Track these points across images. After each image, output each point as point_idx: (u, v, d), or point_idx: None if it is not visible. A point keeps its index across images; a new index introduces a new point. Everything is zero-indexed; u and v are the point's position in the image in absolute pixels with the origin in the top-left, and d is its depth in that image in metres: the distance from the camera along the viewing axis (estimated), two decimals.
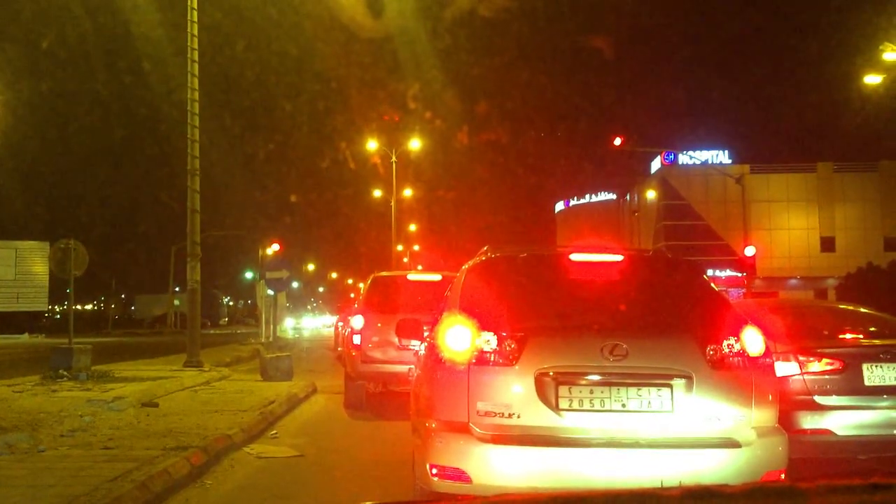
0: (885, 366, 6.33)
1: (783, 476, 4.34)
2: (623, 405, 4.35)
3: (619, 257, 5.17)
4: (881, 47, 24.22)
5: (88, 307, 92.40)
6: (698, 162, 55.01)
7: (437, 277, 11.21)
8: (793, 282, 51.72)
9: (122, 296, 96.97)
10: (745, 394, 4.44)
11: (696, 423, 4.32)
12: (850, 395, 6.26)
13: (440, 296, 7.14)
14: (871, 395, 6.27)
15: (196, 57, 15.62)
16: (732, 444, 4.27)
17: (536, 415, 4.34)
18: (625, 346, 4.38)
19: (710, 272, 53.23)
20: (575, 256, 5.09)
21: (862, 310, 8.49)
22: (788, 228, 53.98)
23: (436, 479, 4.24)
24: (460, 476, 4.18)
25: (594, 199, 74.18)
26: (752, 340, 4.55)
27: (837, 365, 6.32)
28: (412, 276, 11.88)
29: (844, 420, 6.14)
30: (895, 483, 1.08)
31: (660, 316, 4.78)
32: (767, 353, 4.62)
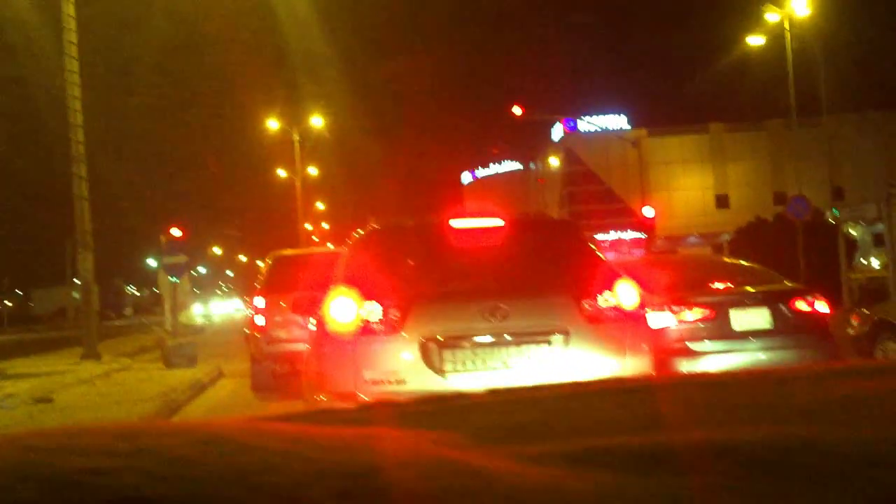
0: (750, 311, 6.75)
1: None
2: (505, 363, 4.51)
3: (498, 222, 5.23)
4: (763, 8, 25.10)
5: None
6: (598, 128, 56.09)
7: (324, 251, 11.42)
8: (692, 239, 53.44)
9: (19, 292, 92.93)
10: (620, 344, 4.66)
11: (575, 375, 4.42)
12: (720, 339, 6.63)
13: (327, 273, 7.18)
14: (739, 340, 6.66)
15: (74, 38, 14.88)
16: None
17: (422, 379, 4.44)
18: (504, 307, 4.53)
19: (614, 234, 54.60)
20: (455, 223, 5.15)
21: (734, 261, 9.33)
22: (685, 188, 55.77)
23: None
24: None
25: (500, 169, 74.90)
26: (626, 293, 4.75)
27: (708, 313, 6.66)
28: (311, 252, 11.97)
29: (716, 364, 6.45)
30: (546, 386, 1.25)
31: (538, 276, 4.93)
32: (641, 304, 4.85)
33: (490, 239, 5.09)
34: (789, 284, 7.80)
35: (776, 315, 6.76)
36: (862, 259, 36.39)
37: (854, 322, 8.91)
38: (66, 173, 15.22)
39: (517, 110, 34.98)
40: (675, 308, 6.60)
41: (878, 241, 35.89)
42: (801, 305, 6.94)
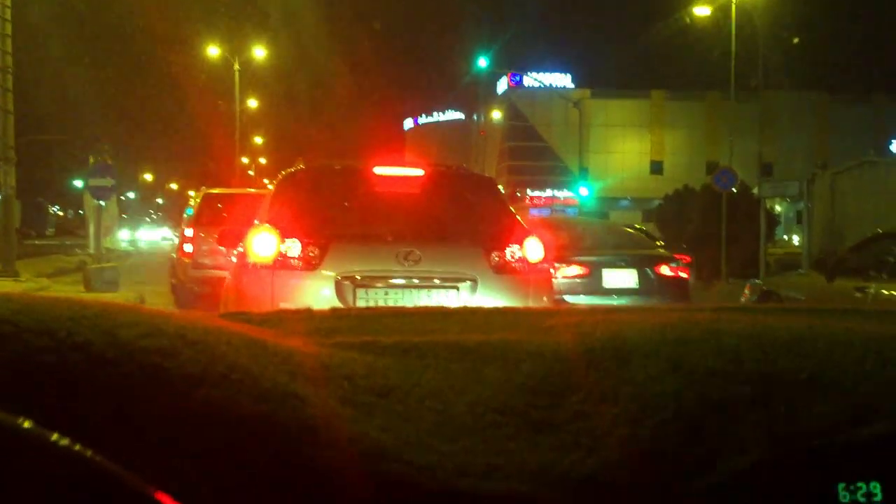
0: (619, 271, 7.87)
1: None
2: (415, 305, 4.65)
3: (420, 172, 5.54)
4: None
5: None
6: (542, 85, 56.25)
7: (249, 192, 12.98)
8: (623, 203, 54.53)
9: None
10: (523, 294, 4.95)
11: None
12: (591, 294, 7.65)
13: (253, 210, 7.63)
14: (607, 295, 7.69)
15: None
16: None
17: None
18: (418, 253, 4.79)
19: (549, 192, 55.28)
20: (379, 170, 5.37)
21: (619, 226, 10.56)
22: (622, 152, 56.57)
23: None
24: None
25: (442, 117, 74.60)
26: (533, 248, 5.06)
27: (584, 270, 7.74)
28: (238, 193, 13.40)
29: None
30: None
31: (453, 226, 5.24)
32: (545, 259, 5.18)
33: (411, 188, 5.36)
34: (660, 251, 9.13)
35: (642, 276, 7.88)
36: (784, 235, 37.63)
37: (746, 291, 9.63)
38: None
39: (483, 62, 34.93)
40: (557, 264, 7.13)
41: (801, 218, 37.13)
42: (665, 270, 8.06)
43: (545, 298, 5.10)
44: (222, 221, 11.29)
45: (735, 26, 24.47)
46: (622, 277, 7.84)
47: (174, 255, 14.60)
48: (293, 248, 4.77)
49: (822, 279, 8.28)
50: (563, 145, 56.06)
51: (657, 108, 57.36)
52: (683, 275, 8.32)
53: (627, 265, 7.91)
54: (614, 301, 7.55)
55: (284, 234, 4.80)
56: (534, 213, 54.44)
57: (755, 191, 19.84)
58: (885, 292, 7.37)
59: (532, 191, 54.55)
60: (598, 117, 55.65)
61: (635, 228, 15.42)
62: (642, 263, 7.99)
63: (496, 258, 4.95)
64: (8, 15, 14.30)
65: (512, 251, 4.98)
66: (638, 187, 54.95)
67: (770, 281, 9.95)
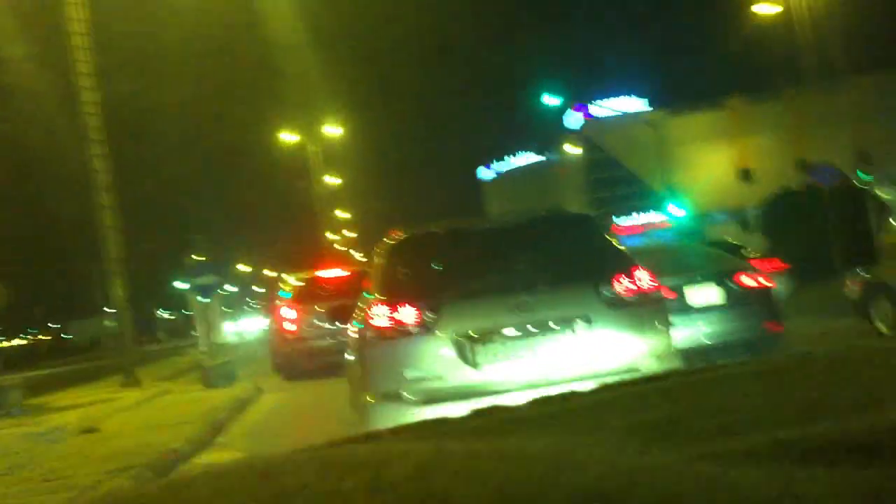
0: (700, 287, 7.89)
1: None
2: (534, 352, 4.89)
3: (516, 221, 5.84)
4: None
5: (17, 342, 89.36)
6: (614, 112, 55.78)
7: (343, 273, 15.59)
8: (719, 217, 53.03)
9: (53, 325, 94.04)
10: (639, 325, 5.02)
11: (601, 359, 4.87)
12: (680, 313, 7.24)
13: (347, 286, 10.25)
14: (695, 312, 7.81)
15: (86, 70, 14.93)
16: (634, 371, 4.71)
17: (459, 374, 4.84)
18: (529, 299, 4.92)
19: (639, 217, 54.31)
20: (476, 226, 5.75)
21: (699, 246, 11.53)
22: (708, 165, 55.19)
23: None
24: None
25: (516, 161, 74.74)
26: (643, 279, 5.12)
27: (669, 293, 7.40)
28: (322, 274, 16.01)
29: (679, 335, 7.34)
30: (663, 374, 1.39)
31: (558, 268, 5.34)
32: (656, 287, 5.24)
33: (510, 238, 5.57)
34: (738, 262, 9.50)
35: (724, 289, 7.98)
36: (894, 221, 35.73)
37: (851, 285, 9.79)
38: (90, 202, 15.30)
39: (549, 99, 34.93)
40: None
41: None
42: (745, 279, 8.17)
43: (660, 326, 5.13)
44: (315, 300, 13.99)
45: (803, 17, 23.74)
46: (704, 294, 7.93)
47: (273, 337, 16.63)
48: (408, 315, 4.92)
49: None
50: (645, 169, 55.17)
51: (736, 115, 55.98)
52: (765, 282, 8.38)
53: (706, 280, 7.99)
54: (702, 317, 7.72)
55: (398, 302, 4.95)
56: (626, 242, 53.77)
57: (864, 180, 18.88)
58: None
59: (620, 218, 53.68)
60: (678, 134, 54.67)
61: (728, 243, 15.63)
62: (721, 276, 8.08)
63: (606, 292, 5.02)
64: (98, 136, 14.93)
65: (621, 283, 5.05)
66: (730, 198, 53.48)
67: (875, 271, 9.78)
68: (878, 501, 0.58)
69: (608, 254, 5.45)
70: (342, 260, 55.99)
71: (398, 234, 5.74)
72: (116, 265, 15.23)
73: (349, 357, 6.11)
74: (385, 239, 5.84)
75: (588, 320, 4.92)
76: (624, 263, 5.24)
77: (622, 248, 5.83)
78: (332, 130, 40.64)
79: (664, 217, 51.64)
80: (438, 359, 4.86)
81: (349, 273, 15.44)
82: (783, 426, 0.85)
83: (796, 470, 0.67)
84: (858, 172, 22.64)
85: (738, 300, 7.96)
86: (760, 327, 7.91)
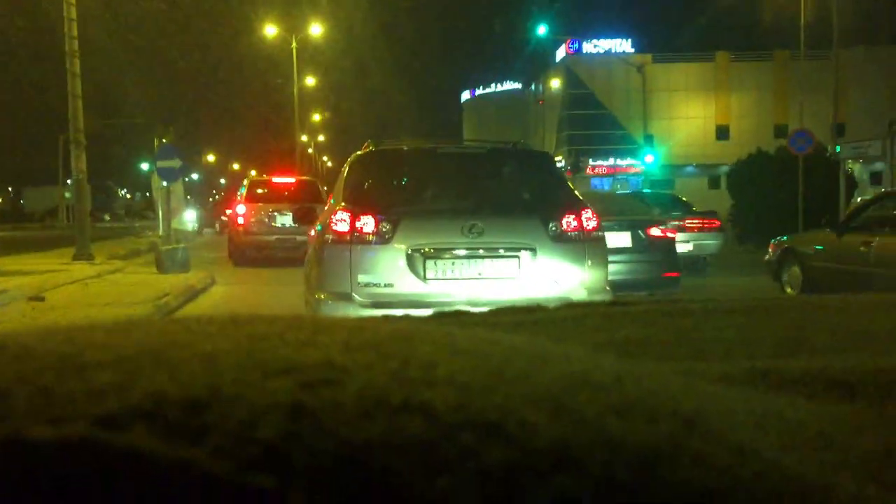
0: (616, 233, 8.70)
1: None
2: (479, 273, 5.26)
3: (480, 150, 6.16)
4: None
5: None
6: (602, 51, 55.08)
7: (292, 180, 18.60)
8: (689, 169, 53.31)
9: (10, 189, 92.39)
10: (580, 262, 5.39)
11: (540, 287, 5.23)
12: None
13: (296, 192, 14.76)
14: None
15: None
16: (567, 301, 5.24)
17: (408, 284, 5.21)
18: (481, 225, 5.23)
19: (612, 161, 54.32)
20: (443, 149, 6.02)
21: (634, 198, 13.62)
22: (686, 117, 55.13)
23: None
24: None
25: (499, 87, 73.82)
26: (588, 219, 5.49)
27: None
28: (276, 179, 18.57)
29: None
30: (632, 300, 1.32)
31: (513, 200, 5.73)
32: (598, 227, 5.58)
33: (472, 165, 5.92)
34: (653, 217, 11.04)
35: (634, 237, 9.17)
36: (860, 197, 36.21)
37: (770, 250, 10.89)
38: (62, 70, 14.87)
39: (542, 29, 34.50)
40: None
41: (875, 180, 35.78)
42: (655, 231, 9.43)
43: (598, 263, 5.50)
44: (265, 200, 16.76)
45: None
46: (619, 238, 8.91)
47: (229, 227, 18.96)
48: (367, 224, 5.24)
49: (833, 235, 9.47)
50: (624, 112, 54.95)
51: (722, 71, 55.67)
52: (671, 235, 9.88)
53: (622, 229, 9.09)
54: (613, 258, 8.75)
55: (359, 212, 5.28)
56: (595, 182, 53.72)
57: (835, 151, 19.02)
58: (885, 244, 8.63)
59: (594, 160, 53.61)
60: (661, 82, 54.36)
61: (678, 198, 16.67)
62: (635, 227, 9.31)
63: (554, 228, 5.38)
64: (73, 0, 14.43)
65: (568, 221, 5.42)
66: (703, 153, 53.62)
67: (790, 239, 10.85)
68: (860, 433, 0.58)
69: (560, 192, 5.80)
70: (307, 165, 55.39)
71: (367, 148, 5.96)
72: (79, 135, 14.86)
73: (309, 255, 6.34)
74: (357, 151, 6.07)
75: (533, 251, 5.29)
76: (573, 203, 5.62)
77: (573, 188, 6.21)
78: (315, 30, 39.60)
79: (637, 163, 51.81)
80: (390, 268, 5.21)
81: (298, 181, 18.66)
82: (759, 358, 0.84)
83: (775, 397, 0.67)
84: (837, 147, 22.76)
85: (644, 248, 9.27)
86: (659, 272, 9.15)
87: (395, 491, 0.35)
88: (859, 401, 0.69)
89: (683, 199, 17.23)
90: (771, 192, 18.47)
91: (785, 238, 10.92)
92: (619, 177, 53.22)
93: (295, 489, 0.35)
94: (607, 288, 5.58)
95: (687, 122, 54.90)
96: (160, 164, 14.81)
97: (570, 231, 5.40)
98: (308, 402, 0.39)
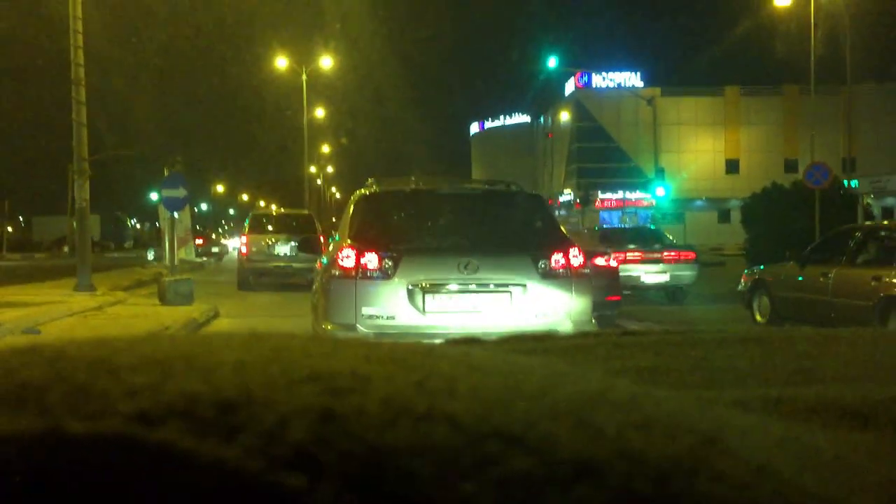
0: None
1: None
2: (474, 306, 5.71)
3: (476, 191, 6.69)
4: None
5: None
6: (612, 83, 55.11)
7: (296, 213, 21.46)
8: (698, 203, 53.06)
9: (20, 218, 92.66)
10: (566, 297, 5.81)
11: (530, 319, 5.68)
12: None
13: (300, 224, 18.16)
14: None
15: None
16: (554, 332, 5.56)
17: (408, 316, 5.63)
18: (476, 262, 5.67)
19: (620, 193, 54.08)
20: (440, 191, 6.51)
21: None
22: (696, 151, 55.01)
23: None
24: None
25: (508, 121, 73.93)
26: (575, 257, 5.91)
27: None
28: (279, 212, 21.23)
29: None
30: (643, 331, 1.30)
31: (505, 239, 6.13)
32: (584, 265, 6.03)
33: (468, 206, 6.37)
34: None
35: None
36: None
37: (743, 280, 11.68)
38: (69, 100, 14.72)
39: (552, 62, 34.58)
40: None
41: (887, 214, 35.47)
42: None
43: (583, 298, 5.91)
44: (268, 231, 18.90)
45: (815, 15, 23.33)
46: None
47: (236, 256, 21.38)
48: (371, 261, 5.64)
49: (797, 267, 10.27)
50: (633, 146, 54.83)
51: (732, 105, 55.61)
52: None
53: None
54: None
55: (364, 250, 5.68)
56: (603, 216, 53.44)
57: (850, 185, 18.69)
58: (842, 275, 9.38)
59: (603, 193, 53.37)
60: (670, 115, 54.28)
61: (654, 231, 18.50)
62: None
63: (543, 265, 5.80)
64: (80, 27, 14.30)
65: (556, 259, 5.82)
66: (713, 187, 53.40)
67: (763, 270, 11.58)
68: (877, 460, 0.59)
69: (550, 232, 6.21)
70: (315, 198, 55.38)
71: (371, 187, 6.37)
72: (83, 164, 14.66)
73: (316, 288, 6.73)
74: (361, 189, 6.48)
75: (524, 286, 5.73)
76: (561, 242, 6.04)
77: (562, 228, 6.70)
78: (326, 62, 39.71)
79: (646, 196, 51.47)
80: (392, 301, 5.63)
81: (295, 214, 21.18)
82: (772, 386, 0.84)
83: (791, 423, 0.67)
84: (854, 182, 22.46)
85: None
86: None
87: (420, 496, 0.36)
88: (873, 430, 0.70)
89: (665, 232, 18.50)
90: (786, 225, 18.14)
91: (755, 269, 11.80)
92: (629, 210, 52.94)
93: (324, 490, 0.35)
94: (593, 320, 6.02)
95: (696, 156, 54.76)
96: (165, 192, 14.60)
97: (559, 268, 5.81)
98: (335, 407, 0.40)
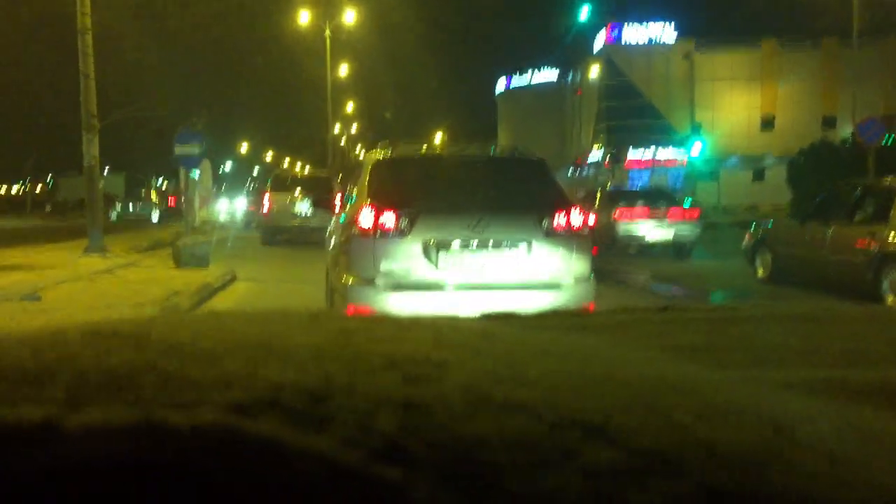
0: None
1: (591, 307, 5.99)
2: (483, 262, 6.11)
3: (483, 157, 7.06)
4: None
5: (11, 191, 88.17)
6: (644, 36, 53.43)
7: (314, 175, 23.29)
8: (732, 160, 51.49)
9: (49, 178, 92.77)
10: (568, 254, 6.22)
11: (534, 273, 6.15)
12: None
13: (316, 185, 20.08)
14: None
15: None
16: (556, 286, 6.14)
17: (423, 270, 6.04)
18: (485, 221, 6.07)
19: (652, 151, 52.63)
20: (451, 156, 7.08)
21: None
22: (731, 107, 53.27)
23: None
24: (369, 312, 4.94)
25: (535, 79, 72.01)
26: (576, 217, 6.30)
27: None
28: (300, 174, 23.11)
29: None
30: (681, 307, 1.30)
31: (512, 199, 6.48)
32: (585, 225, 6.41)
33: (479, 169, 6.81)
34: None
35: None
36: None
37: (746, 237, 12.14)
38: (97, 59, 13.91)
39: (585, 13, 33.37)
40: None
41: None
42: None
43: (583, 255, 6.30)
44: (288, 190, 20.54)
45: None
46: None
47: (259, 213, 22.91)
48: (389, 220, 6.03)
49: (798, 224, 10.54)
50: (665, 102, 53.23)
51: (768, 59, 53.64)
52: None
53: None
54: None
55: (382, 209, 6.06)
56: (633, 176, 52.04)
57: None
58: (839, 232, 9.55)
59: (634, 150, 51.93)
60: (704, 71, 52.57)
61: (659, 190, 18.73)
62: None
63: (546, 224, 6.20)
64: None
65: (558, 219, 6.21)
66: (747, 144, 51.76)
67: (766, 227, 11.85)
68: None
69: (553, 194, 6.61)
70: (339, 157, 54.61)
71: (385, 151, 6.74)
72: (91, 119, 13.91)
73: (335, 247, 7.11)
74: (374, 151, 6.88)
75: (529, 243, 6.15)
76: (564, 203, 6.45)
77: (564, 190, 7.19)
78: (349, 17, 38.60)
79: (679, 153, 49.97)
80: (408, 257, 6.02)
81: (314, 176, 23.26)
82: (818, 367, 0.84)
83: (843, 408, 0.66)
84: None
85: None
86: None
87: (510, 488, 0.35)
88: None
89: (670, 191, 19.51)
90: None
91: (761, 225, 12.13)
92: (658, 170, 51.47)
93: (419, 483, 0.35)
94: (591, 276, 6.35)
95: (731, 112, 53.00)
96: (178, 149, 13.87)
97: (561, 228, 6.22)
98: (417, 396, 0.40)
